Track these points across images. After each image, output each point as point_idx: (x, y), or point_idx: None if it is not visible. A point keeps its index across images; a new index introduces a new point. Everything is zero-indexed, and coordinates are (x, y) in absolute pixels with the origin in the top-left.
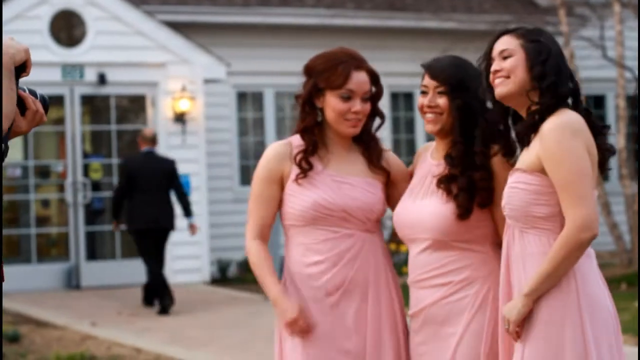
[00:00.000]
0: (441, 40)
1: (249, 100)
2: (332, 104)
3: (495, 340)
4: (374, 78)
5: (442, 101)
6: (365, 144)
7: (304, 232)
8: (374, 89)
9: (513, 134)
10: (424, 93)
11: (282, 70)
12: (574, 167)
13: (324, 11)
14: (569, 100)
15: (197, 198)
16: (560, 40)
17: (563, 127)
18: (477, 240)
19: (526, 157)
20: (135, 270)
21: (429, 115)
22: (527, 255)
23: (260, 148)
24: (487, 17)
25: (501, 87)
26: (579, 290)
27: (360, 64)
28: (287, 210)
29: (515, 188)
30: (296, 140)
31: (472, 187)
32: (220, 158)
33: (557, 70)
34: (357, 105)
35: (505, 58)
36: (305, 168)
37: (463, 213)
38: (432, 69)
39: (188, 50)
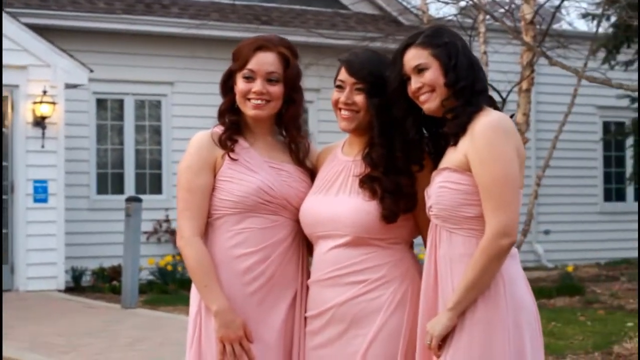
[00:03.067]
0: (306, 55)
1: (108, 107)
2: (237, 84)
3: (414, 340)
4: (285, 61)
5: (359, 99)
6: (291, 136)
7: (236, 220)
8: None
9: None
10: (339, 88)
11: (143, 79)
12: (501, 171)
13: (188, 21)
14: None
15: (54, 204)
16: None
17: (495, 128)
18: (395, 239)
19: (454, 156)
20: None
21: (345, 113)
22: (455, 257)
23: (118, 157)
24: (352, 33)
25: (430, 103)
26: (507, 292)
27: (268, 45)
28: (222, 197)
29: (444, 188)
30: (218, 128)
31: (398, 192)
32: (78, 165)
33: (469, 66)
34: (258, 85)
35: (420, 71)
36: (230, 145)
37: (390, 216)
38: (350, 64)
39: (50, 53)
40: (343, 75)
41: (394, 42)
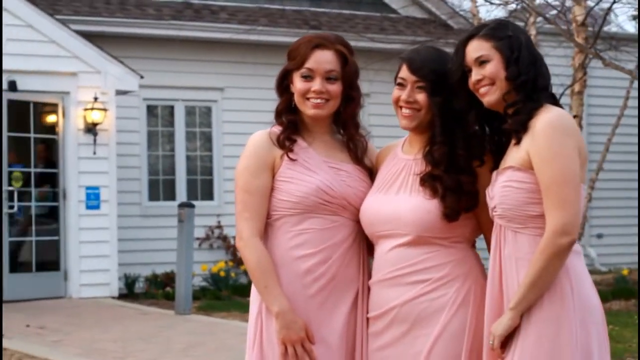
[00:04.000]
0: (356, 59)
1: (159, 114)
2: (295, 84)
3: (478, 339)
4: (343, 59)
5: (421, 97)
6: (349, 134)
7: (296, 221)
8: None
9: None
10: (400, 85)
11: (193, 84)
12: (560, 169)
13: (237, 26)
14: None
15: (106, 211)
16: None
17: (555, 126)
18: (457, 237)
19: (517, 154)
20: (46, 284)
21: (406, 111)
22: (521, 256)
23: (169, 163)
24: (402, 37)
25: (490, 96)
26: (574, 290)
27: (326, 43)
28: (281, 198)
29: (509, 187)
30: (275, 128)
31: (459, 190)
32: (129, 172)
33: (532, 61)
34: (318, 84)
35: (482, 63)
36: (289, 145)
37: (451, 214)
38: (412, 62)
39: (101, 60)
40: (404, 73)
41: (445, 46)
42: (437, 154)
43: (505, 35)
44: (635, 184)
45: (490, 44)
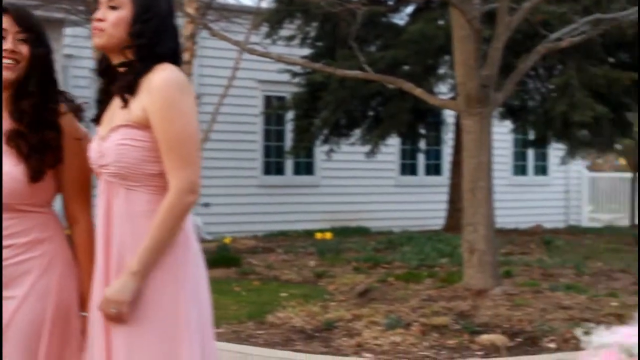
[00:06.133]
0: None
1: None
2: None
3: (62, 300)
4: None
5: (24, 48)
6: None
7: None
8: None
9: None
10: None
11: None
12: (182, 127)
13: None
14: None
15: None
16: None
17: (173, 84)
18: (41, 202)
19: (131, 112)
20: None
21: (9, 62)
22: (136, 214)
23: None
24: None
25: (97, 39)
26: (188, 243)
27: None
28: None
29: (125, 145)
30: None
31: (43, 147)
32: None
33: (158, 30)
34: None
35: (113, 8)
36: None
37: (35, 176)
38: (17, 13)
39: None
40: (7, 24)
41: (57, 11)
42: (28, 107)
43: None
44: (241, 154)
45: None
